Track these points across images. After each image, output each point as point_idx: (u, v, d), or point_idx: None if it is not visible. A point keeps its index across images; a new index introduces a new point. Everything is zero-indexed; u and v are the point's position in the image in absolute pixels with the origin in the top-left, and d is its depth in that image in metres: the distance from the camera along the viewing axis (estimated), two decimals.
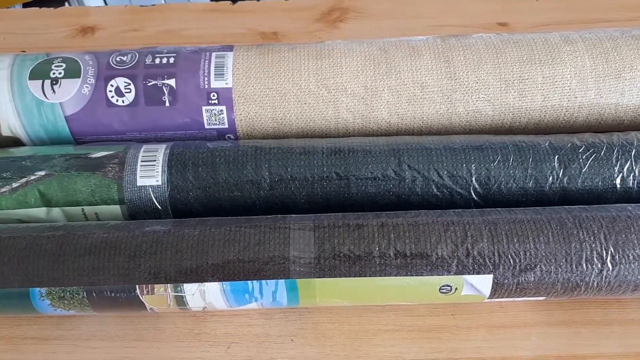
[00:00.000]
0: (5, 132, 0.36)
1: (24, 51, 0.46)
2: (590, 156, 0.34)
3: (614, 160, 0.34)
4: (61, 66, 0.36)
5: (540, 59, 0.37)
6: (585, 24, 0.49)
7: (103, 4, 1.12)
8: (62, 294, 0.30)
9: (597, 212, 0.31)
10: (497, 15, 0.51)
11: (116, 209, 0.33)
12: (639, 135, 0.35)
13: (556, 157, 0.34)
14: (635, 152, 0.34)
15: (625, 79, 0.37)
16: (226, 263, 0.29)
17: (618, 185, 0.34)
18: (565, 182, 0.34)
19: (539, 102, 0.37)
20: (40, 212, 0.33)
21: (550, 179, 0.34)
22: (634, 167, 0.34)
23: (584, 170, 0.34)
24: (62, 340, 0.33)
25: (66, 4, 1.08)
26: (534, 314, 0.34)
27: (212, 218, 0.32)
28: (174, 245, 0.30)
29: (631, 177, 0.34)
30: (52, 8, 0.52)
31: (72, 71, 0.36)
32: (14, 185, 0.33)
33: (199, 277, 0.29)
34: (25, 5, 1.11)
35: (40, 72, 0.36)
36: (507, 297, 0.31)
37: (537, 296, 0.31)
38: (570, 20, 0.50)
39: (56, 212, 0.33)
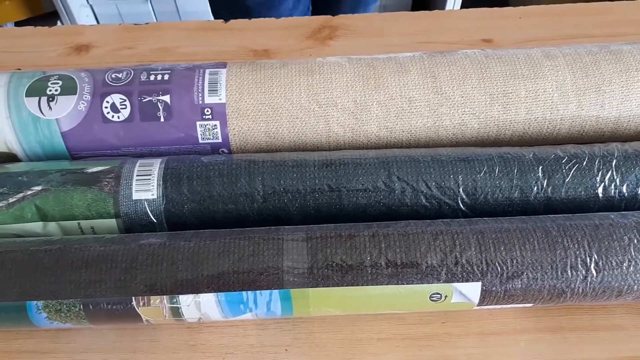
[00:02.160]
0: (1, 149, 0.37)
1: (19, 69, 0.47)
2: (573, 166, 0.35)
3: (595, 170, 0.35)
4: (57, 83, 0.37)
5: (523, 74, 0.38)
6: (565, 39, 0.51)
7: (95, 23, 1.13)
8: (59, 307, 0.30)
9: (581, 220, 0.32)
10: (482, 31, 0.53)
11: (112, 222, 0.34)
12: (619, 146, 0.36)
13: (540, 167, 0.35)
14: (615, 162, 0.35)
15: (605, 92, 0.38)
16: (221, 274, 0.30)
17: (600, 194, 0.35)
18: (549, 191, 0.35)
19: (523, 115, 0.38)
20: (37, 226, 0.34)
21: (535, 189, 0.35)
22: (615, 177, 0.35)
23: (567, 180, 0.35)
24: (58, 353, 0.33)
25: (58, 22, 1.09)
26: (523, 321, 0.34)
27: (207, 230, 0.32)
28: (169, 258, 0.30)
29: (612, 186, 0.35)
30: (46, 27, 0.53)
31: (68, 88, 0.37)
32: (11, 200, 0.33)
33: (195, 288, 0.30)
34: (17, 24, 1.12)
35: (36, 89, 0.37)
36: (495, 305, 0.32)
37: (524, 303, 0.32)
38: (552, 36, 0.52)
39: (52, 226, 0.34)
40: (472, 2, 0.60)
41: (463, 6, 0.90)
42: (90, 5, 1.11)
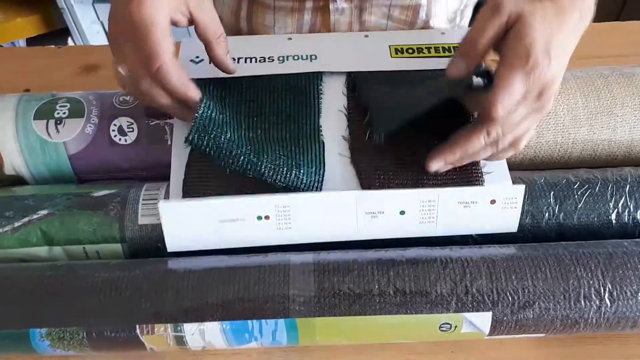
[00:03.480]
0: (9, 171, 0.37)
1: (28, 89, 0.47)
2: (586, 192, 0.34)
3: (608, 196, 0.34)
4: (65, 106, 0.37)
5: None
6: (575, 60, 0.50)
7: (105, 39, 1.14)
8: (62, 335, 0.30)
9: (594, 248, 0.32)
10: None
11: (117, 247, 0.34)
12: (633, 171, 0.36)
13: (552, 193, 0.34)
14: (629, 188, 0.34)
15: (617, 116, 0.38)
16: (226, 303, 0.29)
17: (613, 221, 0.34)
18: (561, 218, 0.34)
19: (534, 139, 0.38)
20: (42, 250, 0.34)
21: (547, 215, 0.34)
22: (629, 203, 0.34)
23: (579, 206, 0.34)
24: None
25: (69, 39, 1.11)
26: (534, 351, 0.33)
27: (212, 257, 0.32)
28: (174, 285, 0.30)
29: (626, 213, 0.34)
30: (56, 47, 0.53)
31: (76, 111, 0.37)
32: (17, 224, 0.33)
33: (199, 317, 0.29)
34: (28, 41, 1.13)
35: (44, 112, 0.37)
36: (506, 334, 0.31)
37: (536, 333, 0.31)
38: None
39: (58, 250, 0.34)
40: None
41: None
42: (101, 22, 1.12)
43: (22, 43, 1.13)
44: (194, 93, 0.32)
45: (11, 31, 1.08)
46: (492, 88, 0.29)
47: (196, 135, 0.31)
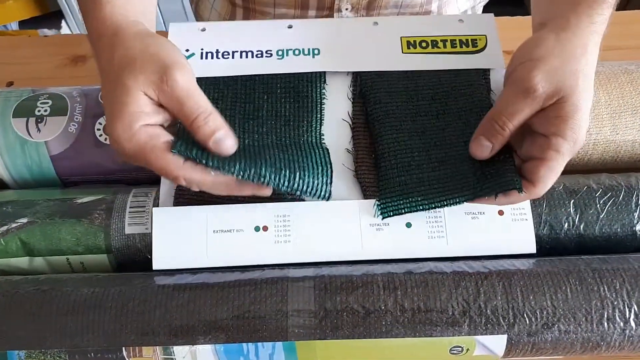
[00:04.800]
0: None
1: (11, 82, 0.44)
2: (608, 201, 0.32)
3: (633, 205, 0.32)
4: (47, 103, 0.35)
5: None
6: None
7: None
8: (43, 357, 0.27)
9: (618, 264, 0.29)
10: (502, 43, 0.49)
11: (103, 258, 0.31)
12: None
13: (571, 201, 0.32)
14: None
15: None
16: (219, 324, 0.27)
17: (638, 232, 0.32)
18: (581, 228, 0.32)
19: None
20: (22, 262, 0.31)
21: (566, 225, 0.32)
22: None
23: (601, 216, 0.32)
24: None
25: (63, 22, 1.07)
26: None
27: (205, 273, 0.29)
28: (163, 304, 0.27)
29: None
30: (43, 36, 0.50)
31: (59, 109, 0.34)
32: None
33: (190, 338, 0.27)
34: (21, 23, 1.09)
35: (24, 110, 0.34)
36: (521, 356, 0.29)
37: (553, 355, 0.29)
38: None
39: (39, 261, 0.31)
40: (490, 9, 0.57)
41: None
42: None
43: (14, 26, 1.09)
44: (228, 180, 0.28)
45: (2, 14, 1.04)
46: (536, 170, 0.28)
47: (179, 143, 0.27)
